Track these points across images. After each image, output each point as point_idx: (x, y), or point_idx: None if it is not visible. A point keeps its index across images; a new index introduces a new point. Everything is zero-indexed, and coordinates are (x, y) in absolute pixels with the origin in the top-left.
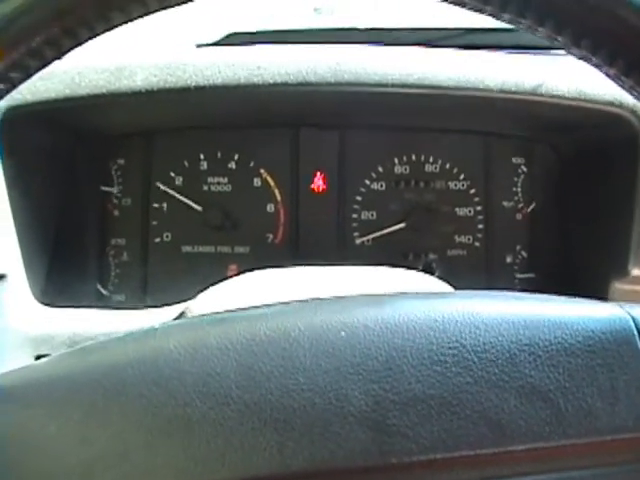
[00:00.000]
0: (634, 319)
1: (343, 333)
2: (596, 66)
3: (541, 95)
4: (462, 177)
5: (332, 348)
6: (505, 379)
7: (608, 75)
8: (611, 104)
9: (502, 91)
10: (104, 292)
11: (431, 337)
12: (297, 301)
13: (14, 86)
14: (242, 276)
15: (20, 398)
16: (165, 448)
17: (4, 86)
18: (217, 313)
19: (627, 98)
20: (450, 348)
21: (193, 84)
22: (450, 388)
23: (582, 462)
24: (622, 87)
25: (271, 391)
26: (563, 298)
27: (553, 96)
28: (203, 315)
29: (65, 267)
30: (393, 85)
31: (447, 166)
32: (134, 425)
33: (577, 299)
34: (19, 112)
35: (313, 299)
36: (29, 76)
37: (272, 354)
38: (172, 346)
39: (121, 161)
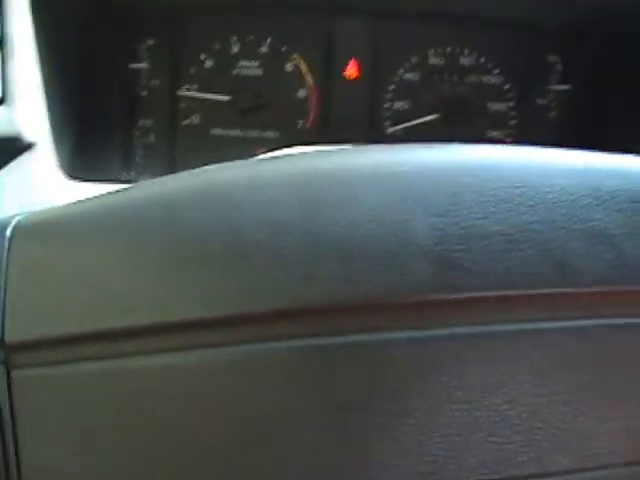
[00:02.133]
0: None
1: (406, 168)
2: None
3: None
4: (497, 72)
5: (394, 181)
6: (570, 220)
7: None
8: None
9: None
10: (129, 173)
11: (497, 175)
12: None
13: None
14: (276, 152)
15: (65, 227)
16: (219, 278)
17: None
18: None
19: None
20: (517, 187)
21: None
22: (516, 225)
23: None
24: None
25: (335, 221)
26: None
27: None
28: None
29: (92, 143)
30: None
31: (482, 60)
32: (186, 254)
33: None
34: None
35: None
36: None
37: (335, 187)
38: (229, 177)
39: (151, 41)
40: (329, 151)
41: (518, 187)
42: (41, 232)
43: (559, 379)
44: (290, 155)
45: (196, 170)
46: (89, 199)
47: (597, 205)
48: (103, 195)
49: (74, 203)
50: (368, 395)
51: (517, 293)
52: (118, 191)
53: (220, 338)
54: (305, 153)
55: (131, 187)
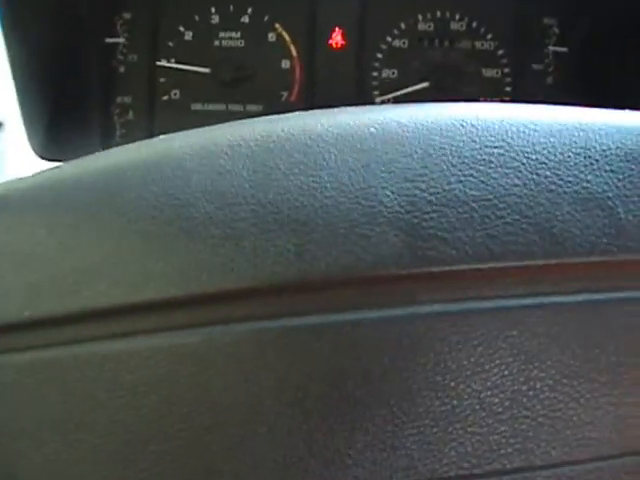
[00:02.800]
0: None
1: (373, 129)
2: None
3: None
4: (490, 37)
5: (360, 144)
6: (558, 183)
7: None
8: None
9: None
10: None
11: (473, 135)
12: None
13: None
14: None
15: (9, 204)
16: (165, 253)
17: None
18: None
19: None
20: (495, 147)
21: None
22: (495, 190)
23: None
24: None
25: (289, 189)
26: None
27: None
28: None
29: (67, 122)
30: None
31: (474, 25)
32: (130, 229)
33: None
34: None
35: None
36: None
37: (291, 150)
38: (177, 146)
39: (127, 15)
40: (288, 115)
41: (498, 147)
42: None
43: (543, 362)
44: (245, 121)
45: (146, 140)
46: (38, 173)
47: (588, 165)
48: (54, 168)
49: (22, 178)
50: (332, 382)
51: (497, 265)
52: (70, 163)
53: (163, 323)
54: (263, 118)
55: (82, 159)
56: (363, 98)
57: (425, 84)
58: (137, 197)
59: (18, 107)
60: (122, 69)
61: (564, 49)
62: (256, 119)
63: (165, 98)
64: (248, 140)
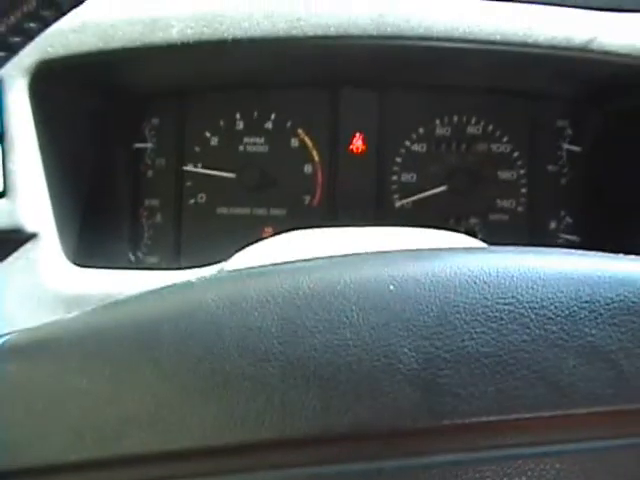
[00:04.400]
0: None
1: (392, 287)
2: None
3: (592, 51)
4: (505, 140)
5: (380, 302)
6: (564, 338)
7: None
8: None
9: (552, 47)
10: (137, 254)
11: (485, 292)
12: (341, 255)
13: (15, 52)
14: (279, 236)
15: (52, 351)
16: (201, 406)
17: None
18: (256, 267)
19: None
20: (506, 304)
21: (230, 37)
22: (505, 346)
23: None
24: None
25: (315, 347)
26: (623, 255)
27: (605, 52)
28: (242, 269)
29: (98, 228)
30: (438, 39)
31: (490, 128)
32: (168, 382)
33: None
34: (51, 66)
35: (358, 254)
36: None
37: (316, 308)
38: (210, 299)
39: (155, 120)
40: (314, 263)
41: (508, 303)
42: (27, 354)
43: None
44: (274, 267)
45: (179, 284)
46: (75, 317)
47: (592, 319)
48: (89, 313)
49: (61, 321)
50: None
51: (507, 418)
52: (104, 308)
53: (198, 469)
54: (290, 264)
55: (114, 304)
56: (383, 202)
57: (443, 187)
58: (174, 351)
59: (52, 217)
60: (150, 173)
61: (577, 148)
62: (283, 267)
63: (191, 202)
64: (276, 296)
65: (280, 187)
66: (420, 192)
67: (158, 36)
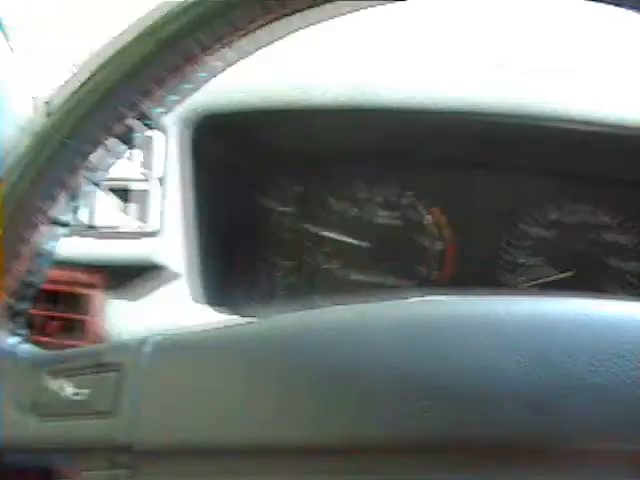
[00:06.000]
0: None
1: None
2: None
3: None
4: (636, 231)
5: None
6: None
7: None
8: None
9: None
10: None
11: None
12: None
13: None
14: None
15: (195, 351)
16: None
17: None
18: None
19: None
20: (629, 343)
21: (383, 106)
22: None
23: None
24: None
25: (447, 368)
26: None
27: None
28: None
29: (235, 278)
30: (577, 122)
31: (619, 219)
32: (297, 387)
33: None
34: (214, 121)
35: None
36: None
37: (445, 333)
38: (344, 317)
39: (299, 188)
40: (437, 301)
41: (630, 343)
42: (177, 351)
43: None
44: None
45: (314, 310)
46: (218, 326)
47: None
48: (231, 324)
49: (205, 328)
50: None
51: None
52: (245, 323)
53: (327, 466)
54: (415, 300)
55: (257, 320)
56: (509, 285)
57: (568, 273)
58: (309, 360)
59: (197, 260)
60: (289, 236)
61: None
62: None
63: (325, 266)
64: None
65: (411, 260)
66: (546, 276)
67: (317, 99)
